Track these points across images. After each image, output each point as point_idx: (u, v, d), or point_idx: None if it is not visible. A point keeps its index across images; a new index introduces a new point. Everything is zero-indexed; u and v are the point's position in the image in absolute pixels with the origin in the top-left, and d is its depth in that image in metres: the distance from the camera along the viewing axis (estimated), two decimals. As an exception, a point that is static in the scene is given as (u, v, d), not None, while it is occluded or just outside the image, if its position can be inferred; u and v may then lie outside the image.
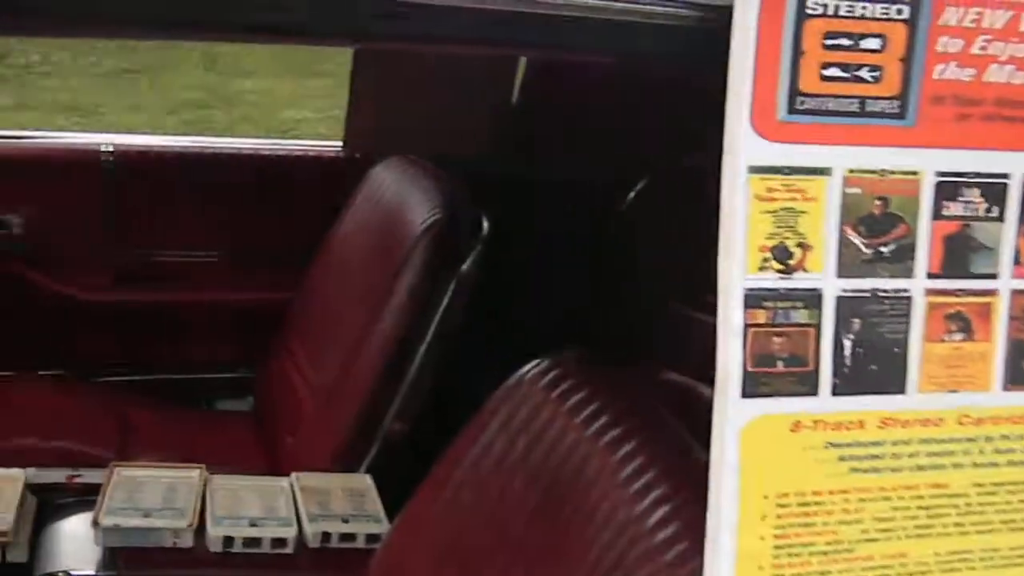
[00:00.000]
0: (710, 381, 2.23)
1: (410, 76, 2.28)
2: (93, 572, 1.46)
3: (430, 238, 1.81)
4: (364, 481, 1.69)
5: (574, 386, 1.28)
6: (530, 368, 1.35)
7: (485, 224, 1.88)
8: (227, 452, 2.09)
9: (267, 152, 2.37)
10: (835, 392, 0.76)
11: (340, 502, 1.62)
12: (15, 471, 1.59)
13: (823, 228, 0.74)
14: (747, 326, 0.74)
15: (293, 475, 1.67)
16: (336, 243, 2.16)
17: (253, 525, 1.53)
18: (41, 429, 2.02)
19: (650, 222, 2.48)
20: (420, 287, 1.80)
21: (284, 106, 6.57)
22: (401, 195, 1.98)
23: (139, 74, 6.73)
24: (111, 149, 2.25)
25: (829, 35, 0.72)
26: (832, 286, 0.75)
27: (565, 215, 2.47)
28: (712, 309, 2.23)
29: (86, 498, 1.60)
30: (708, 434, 0.78)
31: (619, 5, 0.76)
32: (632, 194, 2.50)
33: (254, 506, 1.58)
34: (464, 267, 1.81)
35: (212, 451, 2.07)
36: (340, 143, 2.41)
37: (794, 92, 0.72)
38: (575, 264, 2.55)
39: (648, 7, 0.75)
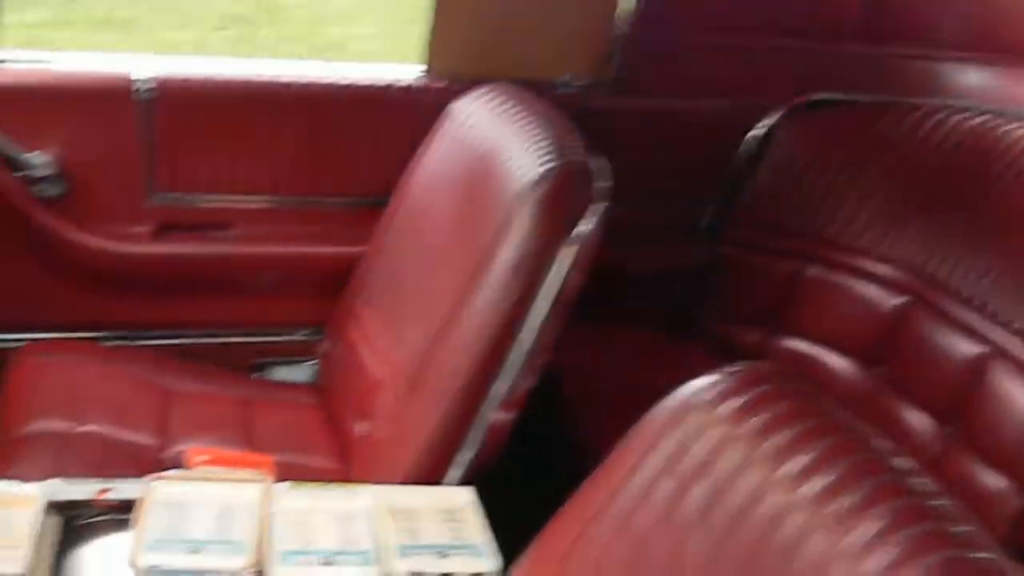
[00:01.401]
0: (843, 351, 1.87)
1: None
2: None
3: (541, 193, 1.46)
4: (463, 497, 1.36)
5: (775, 420, 0.93)
6: (704, 387, 1.00)
7: (607, 173, 1.52)
8: (287, 437, 1.78)
9: (332, 79, 2.00)
10: None
11: (434, 528, 1.29)
12: (31, 489, 1.27)
13: None
14: None
15: (374, 489, 1.35)
16: (415, 191, 1.81)
17: (327, 564, 1.20)
18: (70, 409, 1.71)
19: (780, 161, 2.12)
20: (528, 254, 1.45)
21: (335, 22, 6.19)
22: (499, 135, 1.62)
23: (182, -13, 6.37)
24: (147, 77, 1.89)
25: None
26: None
27: (679, 151, 2.12)
28: (851, 271, 1.86)
29: (119, 516, 1.29)
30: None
31: None
32: (759, 129, 2.14)
33: (328, 535, 1.25)
34: (583, 227, 1.46)
35: (270, 435, 1.77)
36: (422, 67, 2.04)
37: None
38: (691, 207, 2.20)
39: None
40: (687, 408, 1.00)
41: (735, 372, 1.00)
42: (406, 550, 1.24)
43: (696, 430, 0.97)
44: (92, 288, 1.96)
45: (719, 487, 0.93)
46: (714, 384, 0.99)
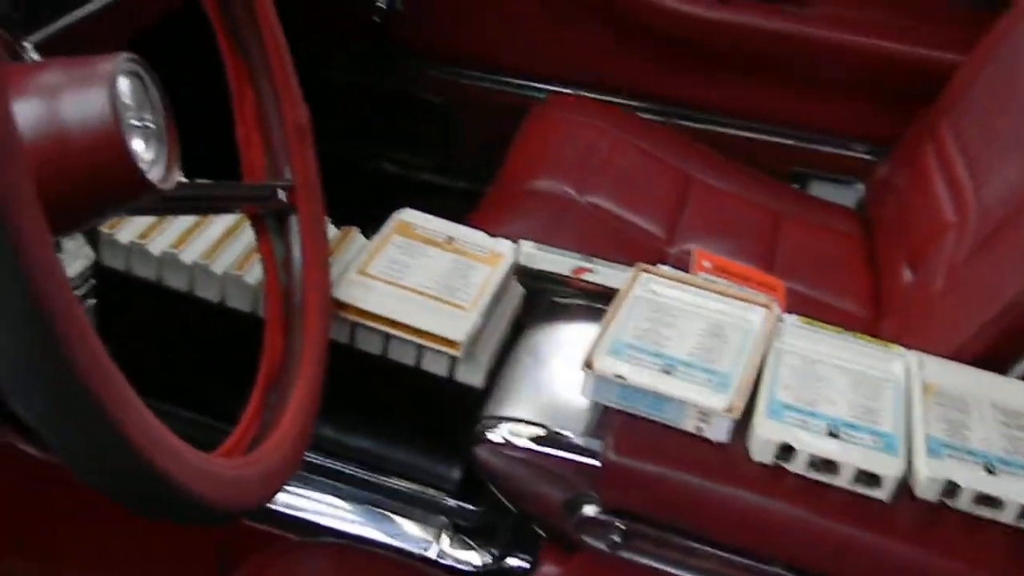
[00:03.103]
0: None
1: None
2: (567, 434, 0.93)
3: None
4: (1033, 398, 0.98)
5: None
6: None
7: None
8: (812, 265, 1.47)
9: None
10: None
11: (987, 429, 0.93)
12: (504, 247, 1.07)
13: None
14: None
15: (915, 357, 1.00)
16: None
17: (831, 434, 0.90)
18: (581, 175, 1.51)
19: None
20: None
21: None
22: None
23: None
24: None
25: None
26: None
27: None
28: None
29: (593, 304, 1.06)
30: None
31: None
32: None
33: (839, 395, 0.94)
34: None
35: (792, 258, 1.48)
36: None
37: None
38: None
39: None
40: None
41: None
42: (941, 448, 0.90)
43: None
44: (634, 47, 1.73)
45: None
46: None
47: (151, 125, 0.69)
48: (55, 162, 0.64)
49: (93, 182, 0.66)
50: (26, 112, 0.63)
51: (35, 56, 0.93)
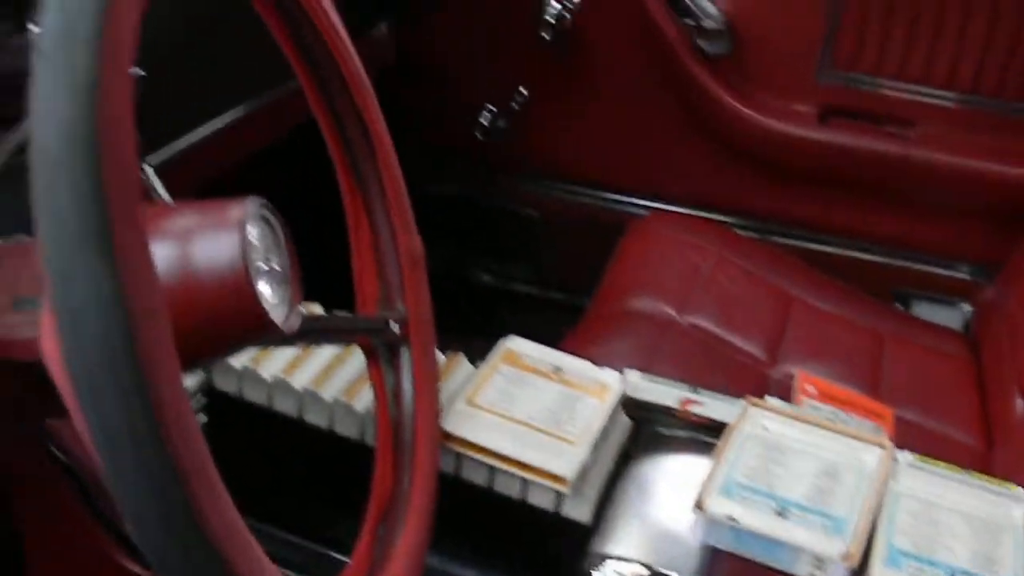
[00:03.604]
0: None
1: None
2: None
3: None
4: None
5: None
6: None
7: None
8: (919, 391, 1.43)
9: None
10: None
11: (1117, 583, 0.90)
12: (610, 378, 1.06)
13: None
14: None
15: (1037, 500, 0.97)
16: None
17: (952, 585, 0.87)
18: (681, 294, 1.50)
19: None
20: None
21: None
22: None
23: None
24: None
25: None
26: None
27: None
28: None
29: (701, 437, 1.05)
30: None
31: None
32: None
33: (959, 543, 0.91)
34: None
35: (898, 382, 1.43)
36: None
37: None
38: None
39: None
40: None
41: None
42: (1067, 601, 0.87)
43: None
44: (733, 164, 1.73)
45: None
46: None
47: (277, 268, 0.71)
48: (184, 304, 0.65)
49: (220, 324, 0.67)
50: (159, 255, 0.65)
51: (160, 187, 0.96)
